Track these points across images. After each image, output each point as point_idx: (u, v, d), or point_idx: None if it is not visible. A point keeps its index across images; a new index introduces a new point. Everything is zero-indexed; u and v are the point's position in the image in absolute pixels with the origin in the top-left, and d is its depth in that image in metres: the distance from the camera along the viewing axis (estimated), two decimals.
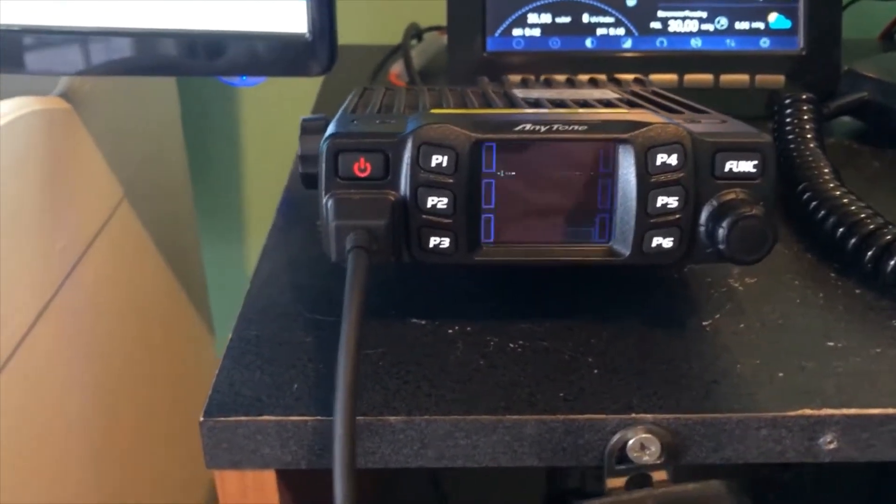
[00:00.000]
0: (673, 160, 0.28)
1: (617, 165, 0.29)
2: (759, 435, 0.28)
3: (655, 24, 0.53)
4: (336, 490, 0.23)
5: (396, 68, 0.60)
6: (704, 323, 0.33)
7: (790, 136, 0.44)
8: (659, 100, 0.37)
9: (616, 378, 0.29)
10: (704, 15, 0.53)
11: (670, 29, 0.53)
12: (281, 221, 0.40)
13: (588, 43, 0.53)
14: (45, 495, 0.47)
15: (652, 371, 0.30)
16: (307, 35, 0.45)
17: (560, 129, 0.28)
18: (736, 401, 0.28)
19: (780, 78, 0.53)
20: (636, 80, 0.44)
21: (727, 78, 0.53)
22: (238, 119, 0.82)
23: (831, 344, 0.31)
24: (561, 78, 0.46)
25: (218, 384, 0.29)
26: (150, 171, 0.65)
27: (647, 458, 0.28)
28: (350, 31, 0.73)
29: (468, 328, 0.32)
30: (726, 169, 0.28)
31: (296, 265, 0.36)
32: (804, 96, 0.46)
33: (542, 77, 0.49)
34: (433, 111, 0.31)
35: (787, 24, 0.53)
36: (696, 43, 0.53)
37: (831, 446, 0.28)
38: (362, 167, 0.28)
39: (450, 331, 0.32)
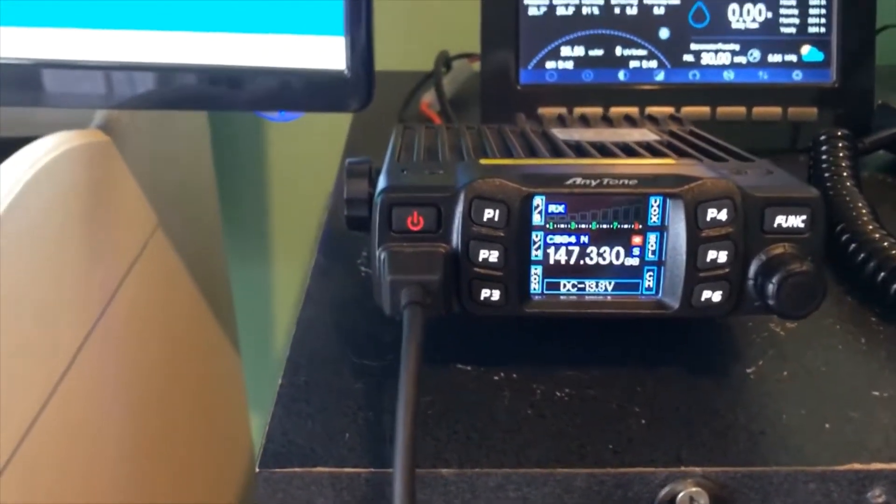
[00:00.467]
0: (723, 215, 0.28)
1: (667, 219, 0.29)
2: (808, 489, 0.28)
3: (688, 57, 0.53)
4: None
5: (428, 97, 0.60)
6: (748, 370, 0.33)
7: (826, 174, 0.44)
8: (701, 143, 0.37)
9: (664, 428, 0.30)
10: (737, 48, 0.54)
11: (703, 62, 0.53)
12: (322, 261, 0.41)
13: (621, 76, 0.54)
14: None
15: (698, 421, 0.30)
16: (346, 72, 0.45)
17: (610, 182, 0.29)
18: (784, 453, 0.29)
19: (813, 110, 0.54)
20: (672, 118, 0.44)
21: (759, 110, 0.53)
22: (266, 146, 0.83)
23: (876, 393, 0.31)
24: (596, 113, 0.46)
25: (271, 433, 0.29)
26: (181, 200, 0.66)
27: None
28: (377, 58, 0.74)
29: (514, 375, 0.32)
30: (776, 224, 0.29)
31: (340, 307, 0.37)
32: (839, 133, 0.46)
33: (577, 112, 0.49)
34: (482, 162, 0.31)
35: (819, 56, 0.54)
36: (728, 75, 0.54)
37: (880, 500, 0.28)
38: (415, 221, 0.28)
39: (496, 378, 0.32)
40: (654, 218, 0.29)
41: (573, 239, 0.30)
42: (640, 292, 0.30)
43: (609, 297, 0.30)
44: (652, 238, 0.29)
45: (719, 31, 0.53)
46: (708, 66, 0.54)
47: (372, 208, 0.29)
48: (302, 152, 0.82)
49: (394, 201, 0.28)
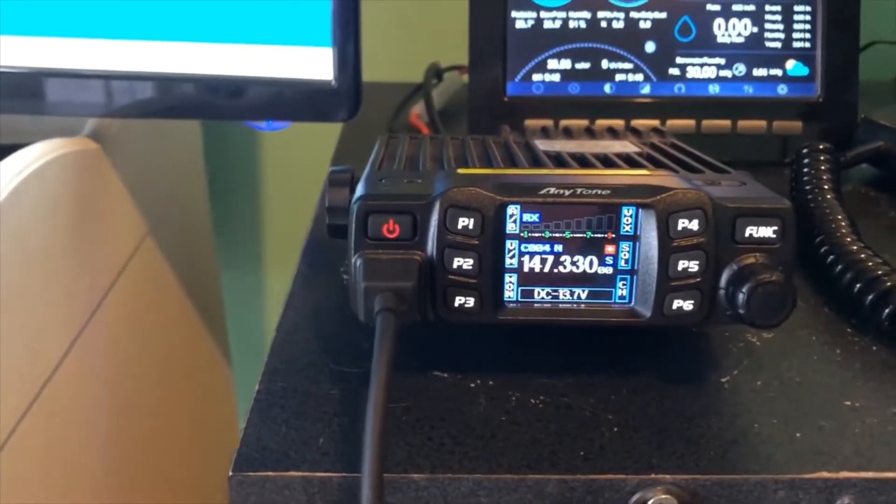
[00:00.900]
0: (694, 225, 0.29)
1: (639, 228, 0.29)
2: (777, 497, 0.28)
3: (674, 71, 0.54)
4: None
5: (417, 109, 0.61)
6: (723, 379, 0.33)
7: (807, 187, 0.44)
8: (679, 155, 0.37)
9: (636, 436, 0.30)
10: (722, 61, 0.54)
11: (688, 75, 0.54)
12: (305, 268, 0.41)
13: (607, 89, 0.54)
14: None
15: (671, 429, 0.30)
16: (333, 82, 0.46)
17: (584, 192, 0.29)
18: (754, 462, 0.29)
19: (798, 124, 0.54)
20: (655, 131, 0.44)
21: (744, 124, 0.54)
22: (259, 155, 0.83)
23: (848, 403, 0.32)
24: (580, 126, 0.47)
25: (246, 438, 0.30)
26: (172, 208, 0.67)
27: None
28: (369, 69, 0.74)
29: (490, 382, 0.33)
30: (746, 234, 0.29)
31: (321, 315, 0.37)
32: (821, 146, 0.46)
33: (562, 125, 0.50)
34: (459, 171, 0.32)
35: (804, 71, 0.54)
36: (713, 89, 0.54)
37: None
38: (391, 228, 0.29)
39: (472, 385, 0.33)
40: (626, 227, 0.30)
41: (547, 248, 0.30)
42: (612, 301, 0.30)
43: (582, 306, 0.30)
44: (625, 247, 0.30)
45: (705, 45, 0.54)
46: (693, 79, 0.54)
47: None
48: (295, 161, 0.82)
49: (370, 209, 0.29)
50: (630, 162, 0.36)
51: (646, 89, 0.54)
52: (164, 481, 0.61)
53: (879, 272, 0.36)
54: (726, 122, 0.54)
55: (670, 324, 0.30)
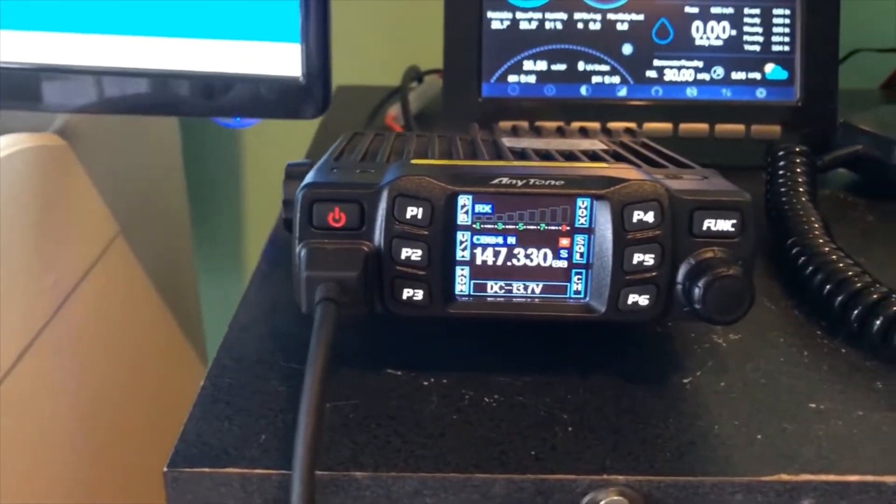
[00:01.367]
0: (650, 217, 0.28)
1: (594, 221, 0.29)
2: (734, 500, 0.27)
3: (651, 73, 0.53)
4: None
5: (393, 111, 0.60)
6: (685, 380, 0.32)
7: (782, 189, 0.44)
8: (646, 152, 0.36)
9: (591, 436, 0.29)
10: (700, 64, 0.53)
11: (666, 78, 0.53)
12: (264, 266, 0.40)
13: (583, 91, 0.53)
14: None
15: (628, 430, 0.29)
16: (301, 78, 0.45)
17: (537, 183, 0.28)
18: (712, 464, 0.28)
19: (777, 128, 0.53)
20: (626, 131, 0.43)
21: (722, 128, 0.53)
22: (239, 158, 0.82)
23: (813, 406, 0.31)
24: (551, 127, 0.46)
25: (185, 434, 0.29)
26: (147, 209, 0.66)
27: None
28: (354, 72, 0.74)
29: (444, 380, 0.32)
30: (704, 227, 0.28)
31: (276, 312, 0.36)
32: (797, 148, 0.46)
33: (533, 125, 0.49)
34: (413, 161, 0.31)
35: (783, 74, 0.53)
36: (691, 92, 0.54)
37: None
38: (337, 217, 0.28)
39: (425, 383, 0.32)
40: (581, 220, 0.29)
41: (500, 240, 0.29)
42: (568, 296, 0.29)
43: (537, 300, 0.29)
44: (580, 240, 0.29)
45: (683, 47, 0.53)
46: (671, 82, 0.53)
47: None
48: (277, 164, 0.81)
49: (315, 197, 0.28)
50: (595, 158, 0.35)
51: (622, 92, 0.53)
52: (128, 484, 0.60)
53: (850, 273, 0.35)
54: (704, 126, 0.53)
55: (626, 319, 0.29)
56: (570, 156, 0.36)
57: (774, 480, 0.27)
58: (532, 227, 0.29)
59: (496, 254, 0.29)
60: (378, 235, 0.28)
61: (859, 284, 0.35)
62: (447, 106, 0.53)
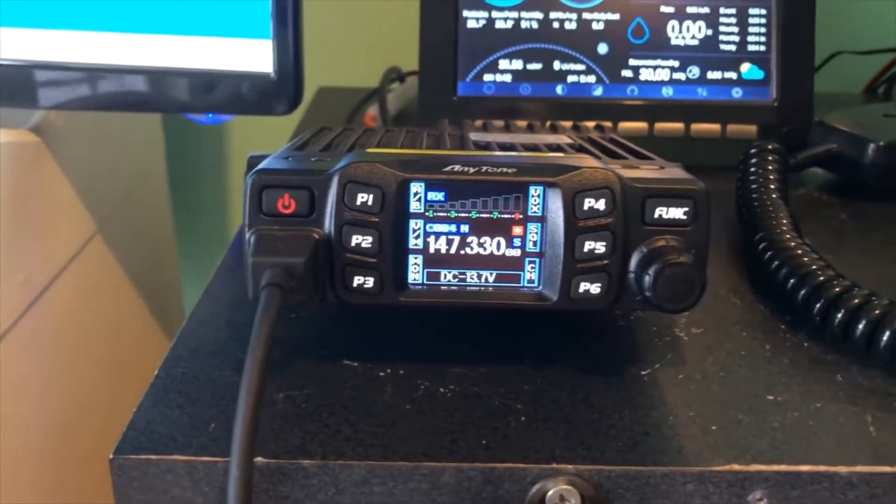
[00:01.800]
0: (601, 205, 0.28)
1: (546, 209, 0.28)
2: (686, 490, 0.27)
3: (626, 73, 0.53)
4: None
5: (372, 111, 0.60)
6: (643, 372, 0.32)
7: (753, 186, 0.43)
8: (610, 146, 0.36)
9: (543, 426, 0.29)
10: (676, 64, 0.53)
11: (641, 77, 0.53)
12: (230, 259, 0.40)
13: (559, 90, 0.53)
14: None
15: (581, 420, 0.29)
16: (272, 74, 0.45)
17: (489, 170, 0.28)
18: (664, 454, 0.28)
19: (753, 128, 0.53)
20: (597, 127, 0.43)
21: (698, 127, 0.53)
22: (224, 156, 0.82)
23: (771, 398, 0.30)
24: (522, 124, 0.46)
25: (134, 422, 0.28)
26: (128, 207, 0.66)
27: None
28: (336, 74, 0.74)
29: (400, 371, 0.31)
30: (656, 215, 0.28)
31: (237, 304, 0.36)
32: (770, 146, 0.46)
33: (507, 124, 0.49)
34: (370, 150, 0.31)
35: (759, 74, 0.53)
36: (667, 92, 0.53)
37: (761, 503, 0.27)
38: (286, 204, 0.28)
39: (381, 374, 0.31)
40: (534, 208, 0.29)
41: (453, 228, 0.29)
42: (521, 284, 0.29)
43: (490, 289, 0.29)
44: (533, 228, 0.29)
45: (658, 47, 0.53)
46: (646, 81, 0.53)
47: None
48: None
49: (264, 183, 0.28)
50: (557, 150, 0.35)
51: (598, 91, 0.53)
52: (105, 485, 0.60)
53: (814, 267, 0.35)
54: (679, 126, 0.53)
55: (578, 308, 0.28)
56: (533, 148, 0.36)
57: (726, 470, 0.27)
58: (485, 215, 0.29)
59: (449, 242, 0.29)
60: (328, 222, 0.28)
61: (822, 278, 0.34)
62: (423, 105, 0.53)
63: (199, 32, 0.45)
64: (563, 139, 0.39)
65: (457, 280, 0.29)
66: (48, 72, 0.45)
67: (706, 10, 0.53)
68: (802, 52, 0.53)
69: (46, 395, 0.52)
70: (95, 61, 0.45)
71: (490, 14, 0.53)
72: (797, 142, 0.51)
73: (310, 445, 0.27)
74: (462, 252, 0.29)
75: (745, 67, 0.53)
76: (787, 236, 0.38)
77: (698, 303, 0.28)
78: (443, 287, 0.29)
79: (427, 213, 0.29)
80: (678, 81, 0.53)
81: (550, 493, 0.27)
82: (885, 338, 0.31)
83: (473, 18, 0.53)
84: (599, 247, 0.28)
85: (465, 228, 0.29)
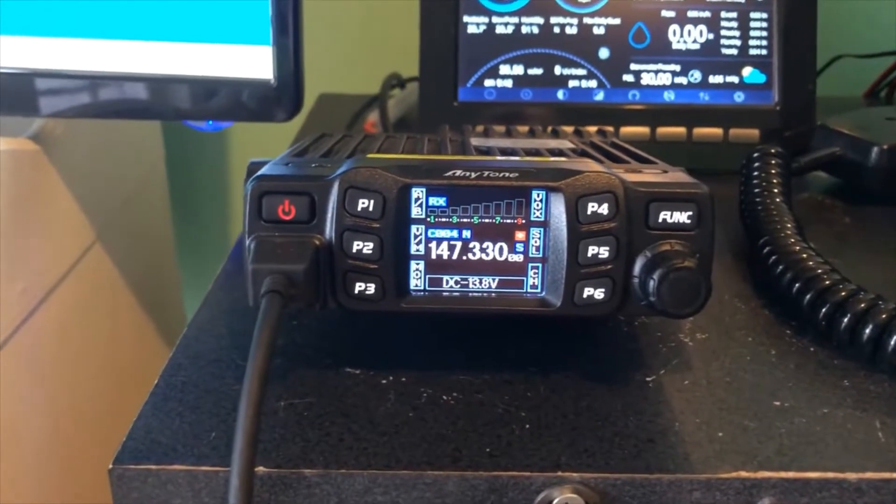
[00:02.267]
0: (604, 209, 0.27)
1: (549, 214, 0.28)
2: (692, 497, 0.27)
3: (628, 77, 0.53)
4: None
5: (373, 117, 0.60)
6: (648, 379, 0.32)
7: (756, 190, 0.43)
8: (612, 150, 0.36)
9: (547, 434, 0.28)
10: (678, 68, 0.53)
11: (643, 82, 0.53)
12: (230, 266, 0.40)
13: (560, 95, 0.53)
14: None
15: (586, 427, 0.29)
16: (272, 81, 0.45)
17: (490, 175, 0.28)
18: (670, 461, 0.27)
19: (755, 132, 0.53)
20: (599, 132, 0.43)
21: (700, 131, 0.53)
22: (225, 164, 0.82)
23: (777, 403, 0.30)
24: (524, 129, 0.45)
25: (133, 431, 0.28)
26: (128, 216, 0.65)
27: None
28: (338, 81, 0.74)
29: (403, 379, 0.31)
30: (660, 219, 0.28)
31: (237, 311, 0.36)
32: (773, 150, 0.45)
33: (505, 128, 0.48)
34: (370, 156, 0.31)
35: (761, 78, 0.53)
36: (669, 96, 0.53)
37: None
38: (286, 210, 0.27)
39: (384, 381, 0.31)
40: (537, 213, 0.28)
41: (455, 233, 0.29)
42: (524, 290, 0.29)
43: (493, 295, 0.29)
44: (535, 233, 0.28)
45: (660, 51, 0.53)
46: (648, 86, 0.53)
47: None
48: None
49: (264, 189, 0.27)
50: (559, 155, 0.35)
51: (599, 96, 0.53)
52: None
53: (819, 271, 0.35)
54: (681, 130, 0.53)
55: (582, 313, 0.28)
56: (535, 153, 0.35)
57: (733, 478, 0.27)
58: (487, 220, 0.28)
59: (451, 248, 0.29)
60: (329, 228, 0.28)
61: (828, 282, 0.34)
62: (424, 110, 0.53)
63: (198, 39, 0.45)
64: (566, 144, 0.39)
65: (459, 286, 0.29)
66: (47, 80, 0.45)
67: (707, 14, 0.53)
68: (804, 55, 0.53)
69: (46, 404, 0.52)
70: (94, 69, 0.45)
71: (490, 19, 0.53)
72: (800, 146, 0.51)
73: (311, 454, 0.27)
74: (464, 258, 0.29)
75: (747, 71, 0.53)
76: (792, 240, 0.38)
77: (703, 308, 0.27)
78: (445, 293, 0.29)
79: (428, 219, 0.28)
80: (680, 86, 0.53)
81: (556, 501, 0.26)
82: (892, 342, 0.31)
83: (474, 24, 0.53)
84: (603, 251, 0.27)
85: (467, 234, 0.29)
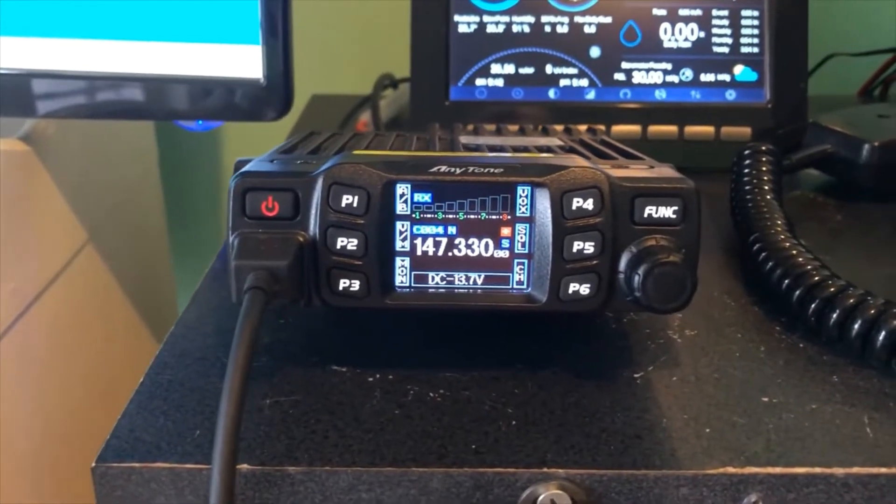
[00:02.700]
0: (589, 205, 0.27)
1: (534, 210, 0.28)
2: (679, 494, 0.27)
3: (619, 76, 0.53)
4: None
5: (365, 118, 0.60)
6: (636, 375, 0.31)
7: (747, 187, 0.43)
8: (601, 147, 0.36)
9: (534, 430, 0.28)
10: (669, 66, 0.53)
11: (634, 80, 0.53)
12: (219, 265, 0.40)
13: (551, 94, 0.53)
14: None
15: (573, 424, 0.28)
16: (262, 80, 0.45)
17: (475, 171, 0.28)
18: (657, 457, 0.27)
19: (747, 130, 0.53)
20: (589, 130, 0.43)
21: (692, 130, 0.53)
22: (219, 165, 0.82)
23: (766, 399, 0.30)
24: (514, 128, 0.45)
25: (117, 429, 0.28)
26: (121, 217, 0.65)
27: None
28: (330, 82, 0.74)
29: (390, 376, 0.31)
30: (645, 214, 0.27)
31: (223, 310, 0.36)
32: (764, 147, 0.45)
33: (495, 127, 0.48)
34: (355, 152, 0.31)
35: (753, 76, 0.53)
36: (660, 95, 0.53)
37: None
38: (270, 206, 0.27)
39: (370, 379, 0.31)
40: (522, 209, 0.28)
41: (440, 229, 0.28)
42: (510, 286, 0.29)
43: (479, 291, 0.29)
44: (521, 229, 0.28)
45: (651, 49, 0.53)
46: (639, 84, 0.53)
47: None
48: None
49: (248, 185, 0.27)
50: (548, 152, 0.35)
51: (591, 95, 0.53)
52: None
53: (809, 267, 0.35)
54: (673, 128, 0.53)
55: (568, 309, 0.28)
56: (522, 150, 0.35)
57: (720, 473, 0.26)
58: (473, 216, 0.28)
59: (437, 244, 0.29)
60: (313, 225, 0.27)
61: (817, 278, 0.34)
62: (415, 110, 0.53)
63: (187, 39, 0.45)
64: (554, 141, 0.39)
65: (445, 283, 0.29)
66: (38, 80, 0.45)
67: (698, 12, 0.53)
68: (796, 53, 0.53)
69: (37, 405, 0.52)
70: (84, 69, 0.45)
71: (481, 18, 0.53)
72: (792, 144, 0.51)
73: (296, 452, 0.27)
74: (450, 254, 0.29)
75: (739, 69, 0.53)
76: (782, 237, 0.38)
77: (689, 303, 0.27)
78: (430, 290, 0.29)
79: (413, 215, 0.28)
80: (671, 84, 0.53)
81: (541, 497, 0.26)
82: (880, 338, 0.31)
83: (465, 23, 0.53)
84: (588, 247, 0.27)
85: (452, 230, 0.28)
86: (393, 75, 0.65)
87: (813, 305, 0.33)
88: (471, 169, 0.28)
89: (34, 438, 0.51)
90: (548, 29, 0.53)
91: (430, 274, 0.29)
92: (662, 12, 0.53)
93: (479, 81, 0.53)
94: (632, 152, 0.34)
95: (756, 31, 0.53)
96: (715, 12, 0.53)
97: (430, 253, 0.29)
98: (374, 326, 0.34)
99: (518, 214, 0.28)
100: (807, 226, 0.44)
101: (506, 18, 0.53)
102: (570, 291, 0.28)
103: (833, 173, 0.50)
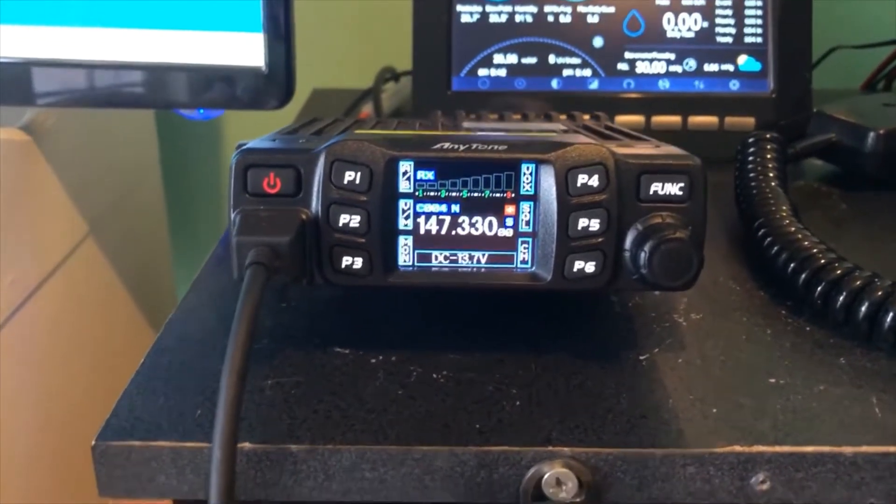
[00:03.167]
0: (594, 181, 0.27)
1: (539, 187, 0.28)
2: (686, 473, 0.26)
3: (622, 66, 0.53)
4: None
5: (367, 109, 0.60)
6: (641, 357, 0.31)
7: (752, 174, 0.43)
8: (604, 130, 0.36)
9: (538, 410, 0.28)
10: (672, 56, 0.53)
11: (637, 70, 0.53)
12: (220, 251, 0.40)
13: (554, 84, 0.53)
14: None
15: (578, 404, 0.28)
16: (263, 69, 0.45)
17: (479, 147, 0.28)
18: (663, 436, 0.27)
19: (751, 120, 0.53)
20: (592, 116, 0.43)
21: (695, 120, 0.52)
22: (220, 155, 0.82)
23: (773, 381, 0.30)
24: (517, 115, 0.45)
25: (117, 409, 0.28)
26: (122, 208, 0.65)
27: (563, 495, 0.26)
28: (332, 75, 0.74)
29: (393, 358, 0.31)
30: (651, 192, 0.27)
31: (225, 294, 0.35)
32: (768, 135, 0.45)
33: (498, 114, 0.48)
34: (357, 131, 0.30)
35: (756, 66, 0.53)
36: (663, 85, 0.53)
37: (764, 487, 0.26)
38: (272, 183, 0.27)
39: (373, 360, 0.31)
40: (526, 186, 0.28)
41: (444, 207, 0.28)
42: (514, 265, 0.28)
43: (483, 270, 0.29)
44: (525, 207, 0.28)
45: (654, 39, 0.53)
46: (643, 74, 0.53)
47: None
48: None
49: (249, 162, 0.27)
50: (550, 132, 0.34)
51: (594, 85, 0.53)
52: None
53: (815, 251, 0.34)
54: (677, 118, 0.52)
55: (573, 287, 0.28)
56: (525, 132, 0.35)
57: (727, 452, 0.26)
58: (476, 194, 0.28)
59: (440, 222, 0.28)
60: (315, 202, 0.27)
61: (823, 261, 0.34)
62: (417, 100, 0.53)
63: (189, 27, 0.45)
64: (558, 126, 0.38)
65: (448, 261, 0.29)
66: (38, 69, 0.45)
67: (702, 1, 0.53)
68: (800, 42, 0.53)
69: (36, 396, 0.51)
70: (84, 58, 0.45)
71: (484, 8, 0.53)
72: (796, 134, 0.50)
73: (298, 431, 0.27)
74: (453, 233, 0.28)
75: (743, 59, 0.53)
76: (787, 221, 0.38)
77: (696, 281, 0.27)
78: (434, 268, 0.29)
79: (416, 193, 0.28)
80: (675, 74, 0.53)
81: (546, 476, 0.26)
82: (888, 320, 0.31)
83: (467, 13, 0.53)
84: (594, 224, 0.27)
85: (455, 208, 0.28)
86: (394, 69, 0.65)
87: (819, 288, 0.33)
88: (474, 146, 0.28)
89: (34, 429, 0.51)
90: (550, 19, 0.53)
91: (434, 252, 0.29)
92: (665, 2, 0.52)
93: (482, 72, 0.53)
94: (636, 134, 0.34)
95: (759, 21, 0.53)
96: (718, 2, 0.53)
97: (434, 231, 0.28)
98: (376, 309, 0.34)
99: (522, 192, 0.28)
100: (812, 215, 0.44)
101: (508, 8, 0.52)
102: (576, 269, 0.27)
103: (837, 162, 0.50)
